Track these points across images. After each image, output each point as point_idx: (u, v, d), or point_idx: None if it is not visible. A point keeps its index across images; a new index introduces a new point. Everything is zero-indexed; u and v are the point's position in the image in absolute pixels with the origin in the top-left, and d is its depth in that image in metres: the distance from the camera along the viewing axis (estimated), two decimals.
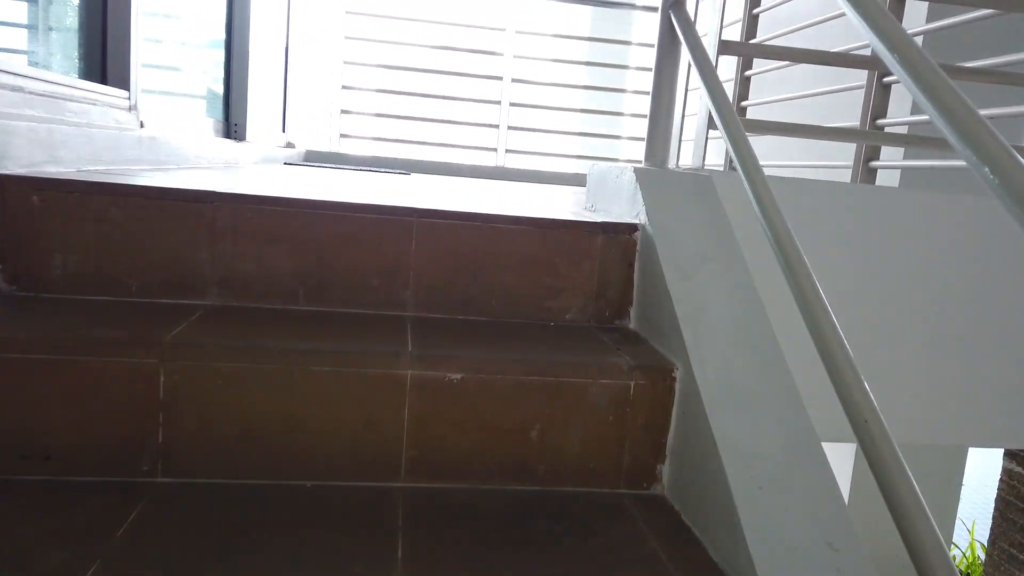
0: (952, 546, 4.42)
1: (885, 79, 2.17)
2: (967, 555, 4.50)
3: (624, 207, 1.46)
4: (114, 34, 1.95)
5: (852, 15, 0.95)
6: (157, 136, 2.01)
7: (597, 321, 1.35)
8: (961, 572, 4.32)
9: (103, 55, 1.92)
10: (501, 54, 5.36)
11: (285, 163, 4.22)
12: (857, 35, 1.08)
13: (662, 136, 1.48)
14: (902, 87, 1.00)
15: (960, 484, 3.39)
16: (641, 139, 5.76)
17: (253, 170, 2.57)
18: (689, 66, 2.67)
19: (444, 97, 5.62)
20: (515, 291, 1.32)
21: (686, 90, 1.66)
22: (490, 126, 5.50)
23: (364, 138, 5.52)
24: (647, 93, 4.83)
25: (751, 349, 1.10)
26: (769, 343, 1.11)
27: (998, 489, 2.61)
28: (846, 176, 3.13)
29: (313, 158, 5.13)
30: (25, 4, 1.70)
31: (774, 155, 3.75)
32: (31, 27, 1.71)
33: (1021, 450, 2.99)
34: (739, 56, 1.72)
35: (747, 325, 1.14)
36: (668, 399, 1.10)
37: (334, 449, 1.04)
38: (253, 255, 1.26)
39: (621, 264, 1.35)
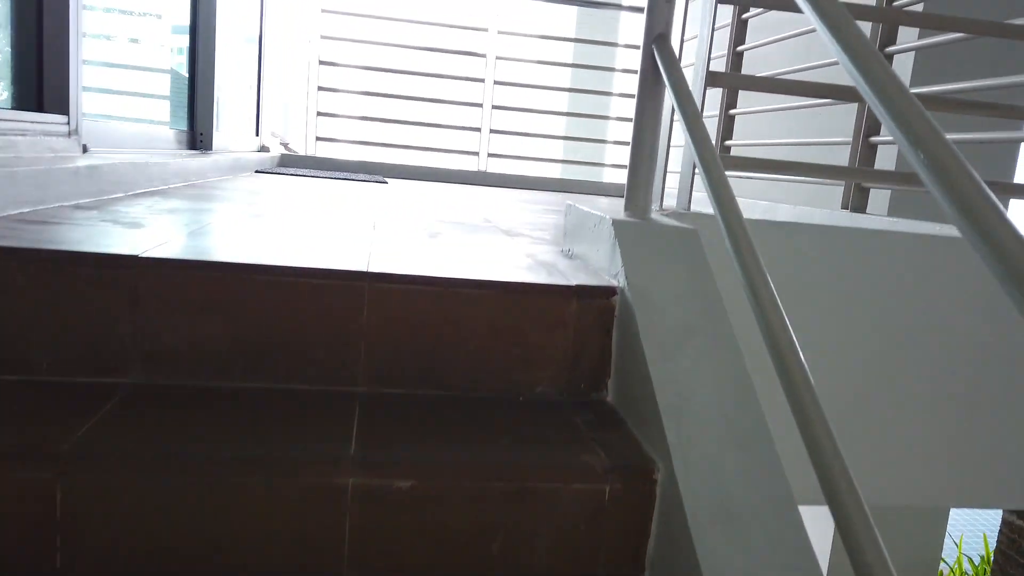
0: None
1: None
2: None
3: (602, 261, 1.32)
4: (50, 54, 1.79)
5: (825, 36, 0.82)
6: (101, 164, 1.85)
7: (571, 393, 1.22)
8: None
9: (37, 78, 1.76)
10: (483, 55, 5.20)
11: (257, 171, 4.05)
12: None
13: (644, 182, 1.35)
14: None
15: (942, 542, 3.29)
16: (626, 143, 5.63)
17: (213, 188, 2.41)
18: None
19: (424, 99, 5.45)
20: (480, 362, 1.19)
21: (671, 121, 1.52)
22: (472, 129, 5.34)
23: (341, 141, 5.34)
24: (633, 96, 4.66)
25: (741, 448, 0.97)
26: (762, 440, 0.98)
27: (997, 542, 2.51)
28: (838, 194, 3.02)
29: (288, 163, 4.96)
30: None
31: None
32: None
33: None
34: (726, 88, 1.58)
35: (737, 417, 1.01)
36: (648, 506, 0.97)
37: (264, 571, 0.90)
38: (182, 326, 1.11)
39: (598, 331, 1.21)
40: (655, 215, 1.38)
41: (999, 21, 1.90)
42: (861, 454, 1.59)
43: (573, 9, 6.30)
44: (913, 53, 3.11)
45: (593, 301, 1.21)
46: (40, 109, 1.76)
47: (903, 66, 3.16)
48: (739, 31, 2.86)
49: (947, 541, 4.61)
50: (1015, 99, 2.26)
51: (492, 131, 5.30)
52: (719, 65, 2.90)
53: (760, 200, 3.51)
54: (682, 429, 0.98)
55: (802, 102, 3.56)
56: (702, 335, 1.12)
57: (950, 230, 1.97)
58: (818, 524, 2.25)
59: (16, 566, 0.86)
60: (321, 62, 5.06)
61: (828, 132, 3.43)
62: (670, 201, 1.70)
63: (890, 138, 2.70)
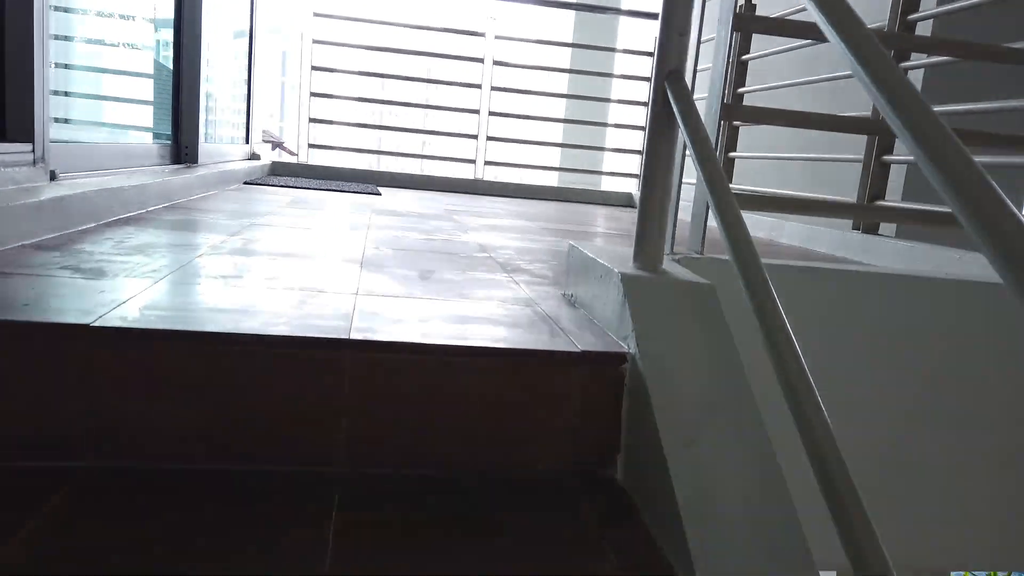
0: None
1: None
2: None
3: (610, 317, 1.20)
4: (12, 79, 1.66)
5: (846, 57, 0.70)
6: (68, 195, 1.72)
7: (576, 470, 1.10)
8: None
9: None
10: (480, 60, 5.07)
11: (246, 182, 3.92)
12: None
13: (655, 230, 1.22)
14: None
15: None
16: (626, 151, 5.51)
17: (194, 210, 2.28)
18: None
19: (420, 106, 5.33)
20: (474, 438, 1.07)
21: (683, 159, 1.40)
22: (468, 136, 5.21)
23: (335, 148, 5.21)
24: (632, 103, 4.53)
25: (772, 556, 0.85)
26: (795, 545, 0.86)
27: None
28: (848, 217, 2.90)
29: (279, 171, 4.83)
30: None
31: (774, 182, 3.50)
32: None
33: None
34: (743, 122, 1.47)
35: (765, 515, 0.89)
36: None
37: None
38: (140, 402, 0.99)
39: (607, 402, 1.09)
40: (667, 264, 1.26)
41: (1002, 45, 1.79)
42: (896, 520, 1.48)
43: (571, 14, 6.16)
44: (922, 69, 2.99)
45: (602, 367, 1.09)
46: (1, 138, 1.64)
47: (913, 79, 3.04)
48: (742, 47, 2.74)
49: None
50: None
51: (489, 138, 5.17)
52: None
53: (766, 217, 3.39)
54: (706, 534, 0.86)
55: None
56: (724, 414, 1.00)
57: (979, 268, 1.85)
58: None
59: None
60: (314, 67, 4.93)
61: (837, 144, 3.31)
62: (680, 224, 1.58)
63: (906, 157, 2.59)
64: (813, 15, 0.89)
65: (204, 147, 3.54)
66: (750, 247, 0.97)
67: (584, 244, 1.47)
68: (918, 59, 2.74)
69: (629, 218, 4.17)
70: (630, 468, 1.07)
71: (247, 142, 4.81)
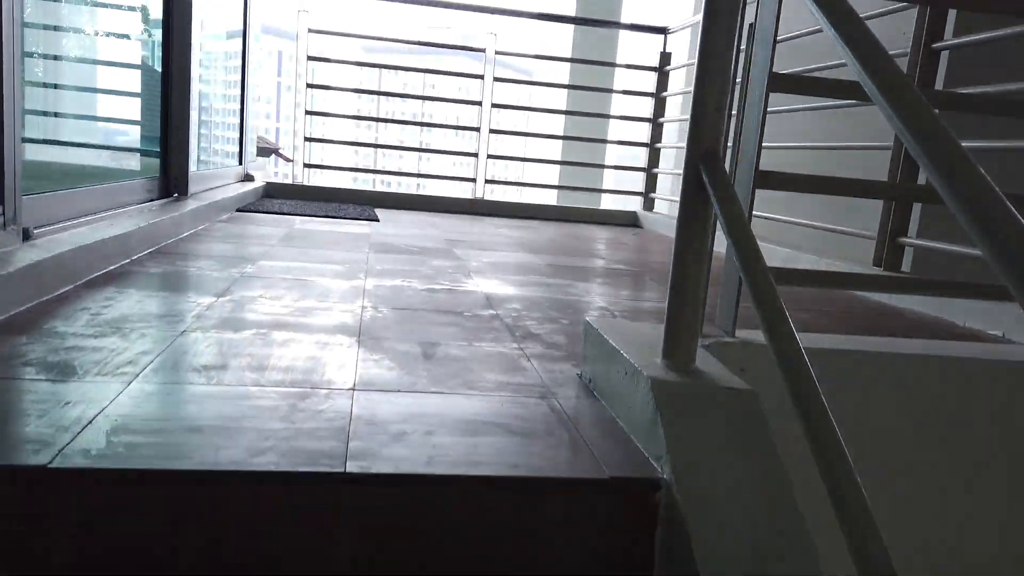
0: None
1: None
2: None
3: (636, 424, 1.07)
4: None
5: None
6: (41, 259, 1.59)
7: None
8: None
9: None
10: (480, 76, 4.94)
11: (239, 209, 3.78)
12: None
13: (687, 325, 1.10)
14: None
15: None
16: (629, 168, 5.38)
17: (181, 256, 2.14)
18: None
19: (418, 123, 5.19)
20: None
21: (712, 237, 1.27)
22: (468, 154, 5.08)
23: (331, 168, 5.08)
24: (635, 119, 4.38)
25: None
26: None
27: None
28: (869, 249, 2.78)
29: (274, 192, 4.70)
30: None
31: (791, 211, 3.37)
32: None
33: None
34: (776, 188, 1.35)
35: None
36: None
37: None
38: (100, 551, 0.86)
39: (637, 534, 0.97)
40: (700, 361, 1.13)
41: None
42: None
43: (570, 28, 6.03)
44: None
45: (632, 496, 0.96)
46: None
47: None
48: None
49: None
50: None
51: (490, 156, 5.04)
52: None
53: (781, 247, 3.27)
54: None
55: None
56: (776, 562, 0.87)
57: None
58: None
59: None
60: (309, 85, 4.79)
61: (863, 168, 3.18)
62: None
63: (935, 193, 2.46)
64: (854, 74, 0.77)
65: (195, 175, 3.41)
66: (794, 345, 0.85)
67: (602, 323, 1.34)
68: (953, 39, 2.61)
69: (636, 243, 4.04)
70: None
71: (240, 163, 4.68)
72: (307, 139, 4.88)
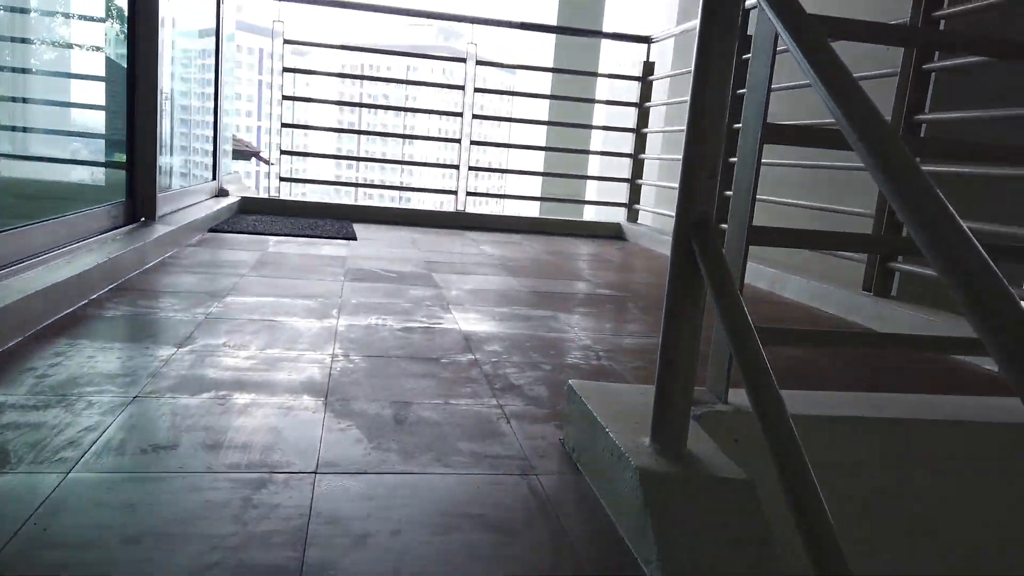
0: None
1: None
2: None
3: (623, 514, 0.99)
4: None
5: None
6: None
7: None
8: None
9: None
10: (461, 87, 4.84)
11: (212, 228, 3.66)
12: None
13: (678, 408, 1.01)
14: None
15: None
16: (612, 179, 5.30)
17: (142, 294, 2.02)
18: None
19: (398, 135, 5.08)
20: None
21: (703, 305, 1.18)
22: (449, 166, 4.98)
23: (308, 182, 4.96)
24: (619, 129, 4.31)
25: None
26: None
27: None
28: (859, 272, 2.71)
29: (249, 207, 4.57)
30: None
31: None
32: None
33: None
34: (769, 245, 1.27)
35: None
36: None
37: None
38: None
39: None
40: (691, 440, 1.04)
41: None
42: None
43: (551, 38, 5.94)
44: None
45: None
46: None
47: None
48: None
49: None
50: None
51: (471, 168, 4.94)
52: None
53: (768, 268, 3.20)
54: None
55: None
56: None
57: None
58: None
59: None
60: (285, 97, 4.67)
61: (847, 196, 3.11)
62: None
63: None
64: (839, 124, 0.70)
65: (164, 197, 3.29)
66: (784, 428, 0.77)
67: (586, 389, 1.25)
68: (943, 60, 2.54)
69: (621, 259, 3.96)
70: None
71: (214, 178, 4.55)
72: (283, 152, 4.76)
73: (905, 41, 2.43)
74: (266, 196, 4.71)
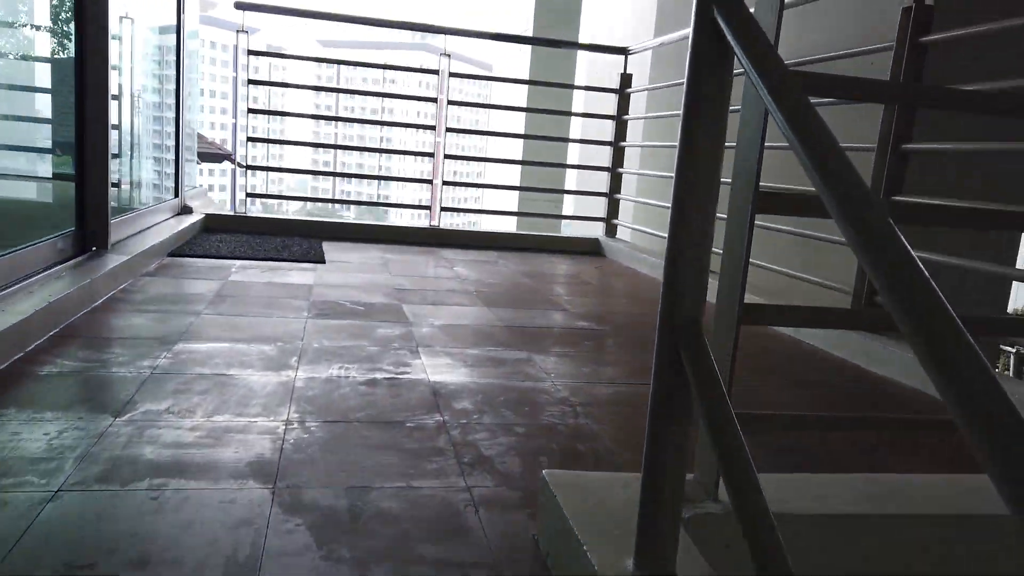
0: None
1: None
2: None
3: None
4: None
5: None
6: None
7: None
8: None
9: None
10: (434, 100, 4.70)
11: (171, 253, 3.49)
12: None
13: (664, 535, 0.89)
14: None
15: None
16: (590, 193, 5.19)
17: (83, 344, 1.87)
18: None
19: (370, 149, 4.93)
20: None
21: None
22: (423, 181, 4.84)
23: (277, 197, 4.78)
24: (596, 143, 4.20)
25: None
26: None
27: None
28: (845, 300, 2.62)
29: (214, 226, 4.39)
30: None
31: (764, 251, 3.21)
32: None
33: None
34: (763, 324, 1.16)
35: None
36: None
37: None
38: None
39: None
40: (680, 556, 0.92)
41: None
42: None
43: (527, 50, 5.81)
44: None
45: None
46: None
47: None
48: None
49: None
50: None
51: (445, 183, 4.81)
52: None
53: (754, 297, 3.09)
54: None
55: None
56: None
57: None
58: None
59: None
60: (250, 110, 4.50)
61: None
62: None
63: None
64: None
65: (118, 222, 3.11)
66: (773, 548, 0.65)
67: (561, 486, 1.12)
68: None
69: (599, 280, 3.85)
70: None
71: (176, 195, 4.36)
72: (249, 167, 4.59)
73: (890, 98, 2.30)
74: (231, 213, 4.54)
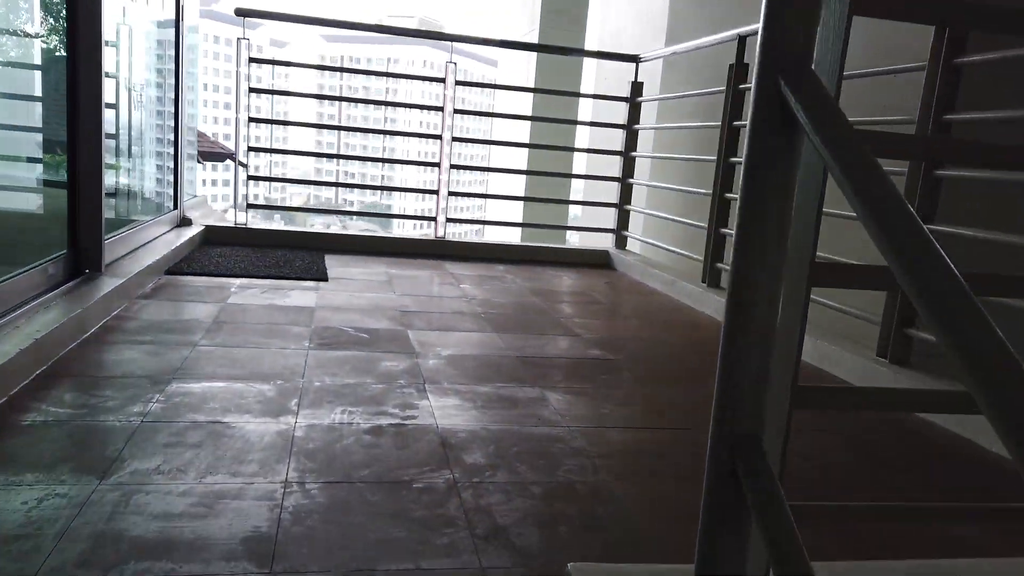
0: None
1: None
2: None
3: None
4: None
5: None
6: None
7: None
8: None
9: None
10: (440, 108, 4.57)
11: (169, 271, 3.38)
12: None
13: None
14: None
15: None
16: (602, 205, 5.06)
17: (73, 385, 1.76)
18: None
19: (374, 159, 4.80)
20: None
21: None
22: (428, 191, 4.72)
23: (279, 208, 4.67)
24: (605, 152, 4.08)
25: None
26: None
27: None
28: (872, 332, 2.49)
29: (214, 238, 4.28)
30: None
31: None
32: None
33: None
34: (816, 408, 1.05)
35: None
36: None
37: None
38: None
39: None
40: None
41: None
42: None
43: (532, 58, 5.69)
44: None
45: None
46: None
47: None
48: None
49: None
50: None
51: (451, 193, 4.69)
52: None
53: None
54: None
55: None
56: None
57: None
58: None
59: None
60: (251, 119, 4.38)
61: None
62: None
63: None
64: None
65: (113, 241, 3.00)
66: None
67: None
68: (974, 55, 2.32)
69: (610, 297, 3.73)
70: None
71: (175, 206, 4.25)
72: (251, 177, 4.47)
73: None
74: (232, 225, 4.42)
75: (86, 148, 2.72)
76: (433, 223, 4.74)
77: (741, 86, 3.51)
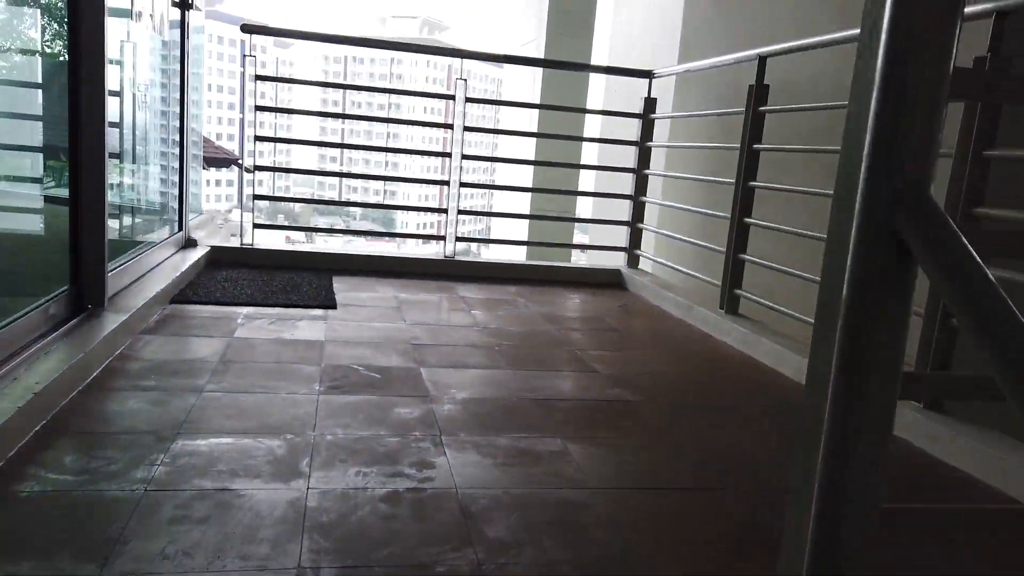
0: None
1: None
2: None
3: None
4: None
5: None
6: None
7: None
8: None
9: None
10: (450, 126, 4.48)
11: (174, 299, 3.29)
12: None
13: None
14: None
15: None
16: (614, 223, 4.97)
17: (72, 445, 1.66)
18: None
19: (381, 178, 4.72)
20: None
21: None
22: (437, 210, 4.63)
23: (286, 227, 4.58)
24: (618, 169, 3.99)
25: None
26: None
27: None
28: None
29: (220, 260, 4.19)
30: None
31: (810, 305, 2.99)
32: None
33: None
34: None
35: None
36: None
37: None
38: None
39: None
40: None
41: None
42: None
43: (538, 74, 5.58)
44: None
45: None
46: None
47: None
48: None
49: None
50: None
51: (460, 212, 4.60)
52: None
53: (783, 349, 2.88)
54: None
55: None
56: None
57: None
58: None
59: None
60: (258, 138, 4.29)
61: None
62: None
63: None
64: None
65: (116, 272, 2.91)
66: None
67: None
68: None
69: (625, 324, 3.64)
70: None
71: (180, 228, 4.16)
72: (256, 197, 4.38)
73: None
74: (238, 245, 4.33)
75: (90, 178, 2.63)
76: (442, 242, 4.65)
77: (761, 108, 3.41)
